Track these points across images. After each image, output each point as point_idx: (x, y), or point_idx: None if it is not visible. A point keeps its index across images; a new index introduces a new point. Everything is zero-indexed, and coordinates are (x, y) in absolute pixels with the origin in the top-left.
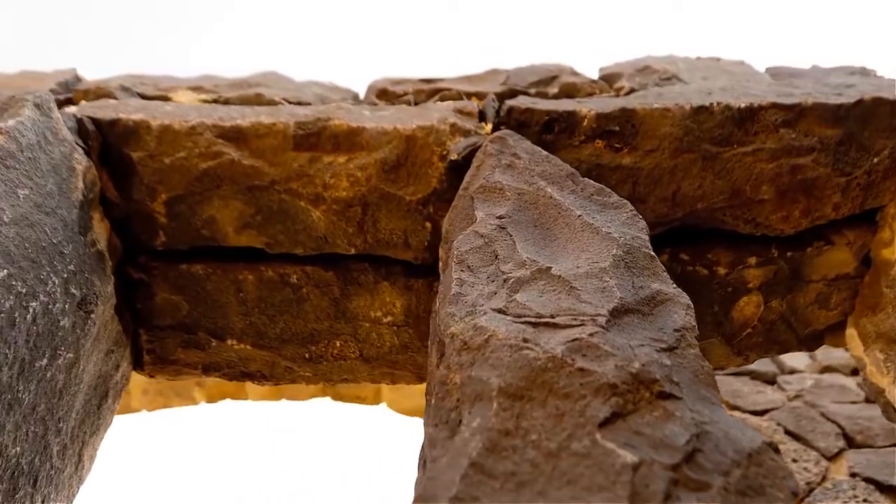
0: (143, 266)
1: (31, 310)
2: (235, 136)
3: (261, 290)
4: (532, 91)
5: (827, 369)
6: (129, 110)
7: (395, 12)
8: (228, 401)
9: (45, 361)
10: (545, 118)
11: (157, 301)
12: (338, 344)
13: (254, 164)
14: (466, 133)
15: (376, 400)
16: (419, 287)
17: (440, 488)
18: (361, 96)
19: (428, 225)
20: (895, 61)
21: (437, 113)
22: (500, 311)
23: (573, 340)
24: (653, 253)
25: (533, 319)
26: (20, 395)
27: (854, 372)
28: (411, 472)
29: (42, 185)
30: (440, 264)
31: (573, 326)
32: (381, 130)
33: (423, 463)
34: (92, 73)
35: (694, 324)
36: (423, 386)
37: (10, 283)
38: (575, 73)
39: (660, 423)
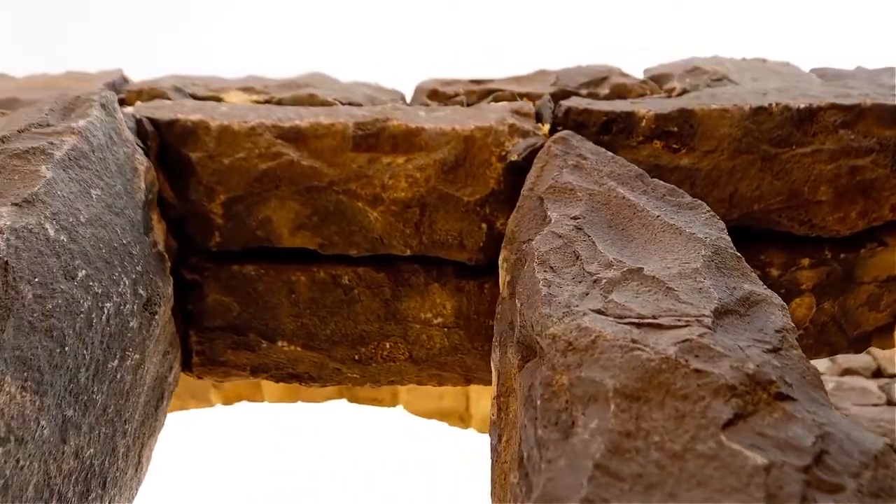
0: (195, 267)
1: (105, 310)
2: (294, 136)
3: (313, 292)
4: (583, 92)
5: (847, 372)
6: (187, 111)
7: (395, 12)
8: (244, 403)
9: (115, 363)
10: (603, 119)
11: (208, 302)
12: (387, 346)
13: (313, 164)
14: (525, 134)
15: (393, 402)
16: (470, 288)
17: (565, 489)
18: (407, 97)
19: (484, 226)
20: None
21: (494, 114)
22: (599, 311)
23: (684, 341)
24: (738, 254)
25: (636, 320)
26: (94, 397)
27: (875, 374)
28: (431, 474)
29: (111, 186)
30: (504, 265)
31: (678, 327)
32: (440, 131)
33: (525, 465)
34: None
35: (792, 325)
36: (443, 389)
37: (88, 284)
38: (624, 75)
39: (782, 425)
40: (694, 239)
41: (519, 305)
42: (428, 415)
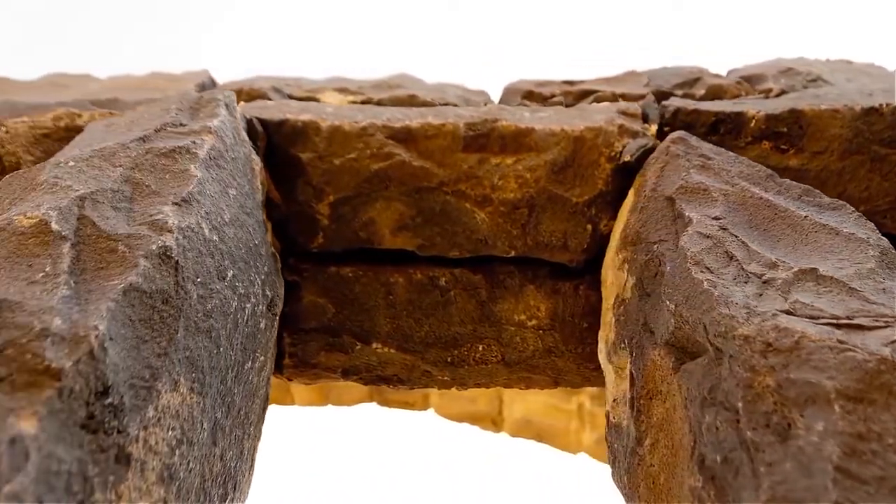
0: (293, 268)
1: (246, 311)
2: (405, 137)
3: (410, 293)
4: (678, 93)
5: None
6: (295, 111)
7: (394, 12)
8: (272, 406)
9: (249, 364)
10: (712, 119)
11: (304, 303)
12: (480, 348)
13: (423, 165)
14: (634, 134)
15: (424, 405)
16: (566, 290)
17: (804, 492)
18: (494, 98)
19: (589, 227)
20: None
21: (601, 115)
22: (787, 312)
23: (894, 342)
24: None
25: (831, 321)
26: (235, 399)
27: None
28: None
29: (242, 186)
30: (624, 266)
31: (880, 328)
32: (549, 131)
33: (713, 468)
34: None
35: None
36: (476, 392)
37: (235, 285)
38: (716, 75)
39: None
40: (855, 239)
41: (673, 307)
42: (459, 418)
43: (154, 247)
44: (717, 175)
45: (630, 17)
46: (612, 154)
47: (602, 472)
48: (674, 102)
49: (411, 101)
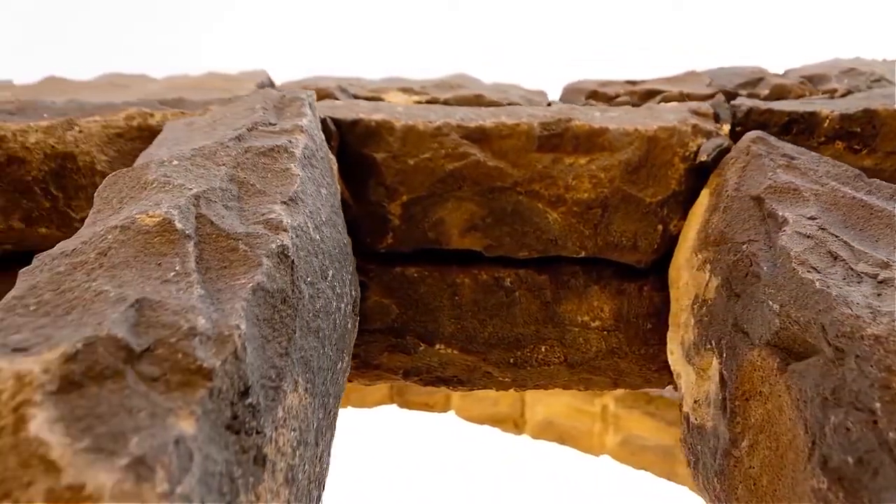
0: (360, 269)
1: (340, 311)
2: (479, 136)
3: (476, 294)
4: (743, 93)
5: None
6: (367, 110)
7: (394, 11)
8: None
9: (340, 364)
10: (785, 119)
11: (369, 304)
12: (543, 349)
13: (497, 164)
14: (708, 134)
15: (445, 407)
16: (631, 291)
17: None
18: (553, 98)
19: (660, 227)
20: None
21: (673, 114)
22: None
23: None
24: None
25: None
26: (329, 400)
27: None
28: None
29: (330, 185)
30: (706, 266)
31: None
32: (623, 131)
33: (840, 469)
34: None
35: None
36: (498, 394)
37: (334, 284)
38: (777, 75)
39: None
40: None
41: (777, 307)
42: (481, 420)
43: (273, 246)
44: (805, 175)
45: (630, 17)
46: (687, 154)
47: (624, 474)
48: (745, 102)
49: (478, 101)
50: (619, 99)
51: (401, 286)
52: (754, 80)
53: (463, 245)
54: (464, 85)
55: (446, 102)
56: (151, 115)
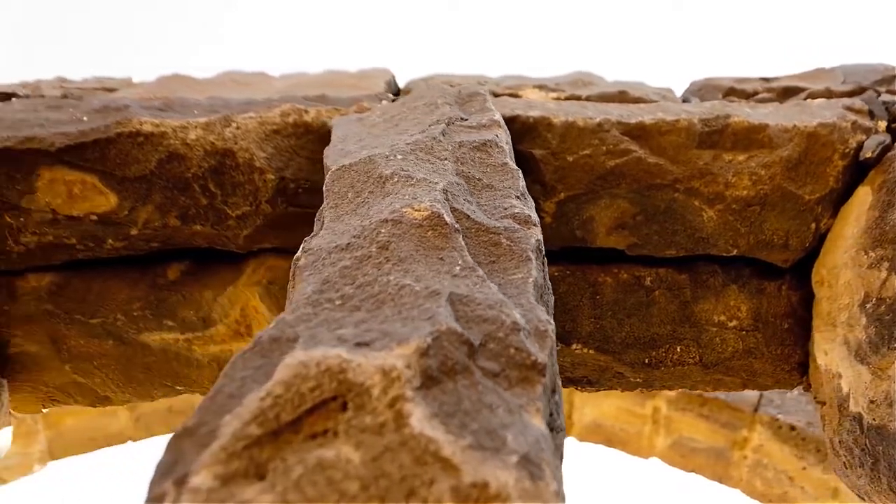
0: None
1: None
2: (639, 133)
3: (617, 293)
4: (882, 89)
5: None
6: (522, 107)
7: (394, 11)
8: None
9: None
10: None
11: None
12: (678, 349)
13: (657, 161)
14: (867, 131)
15: None
16: (771, 290)
17: None
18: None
19: (813, 226)
20: None
21: (829, 111)
22: None
23: None
24: None
25: None
26: None
27: None
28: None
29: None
30: (882, 264)
31: None
32: (782, 128)
33: None
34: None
35: None
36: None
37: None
38: None
39: None
40: None
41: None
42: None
43: (533, 241)
44: None
45: (630, 17)
46: (846, 151)
47: (673, 476)
48: None
49: (621, 98)
50: (758, 96)
51: None
52: (889, 77)
53: (607, 244)
54: (592, 82)
55: (588, 99)
56: (306, 112)
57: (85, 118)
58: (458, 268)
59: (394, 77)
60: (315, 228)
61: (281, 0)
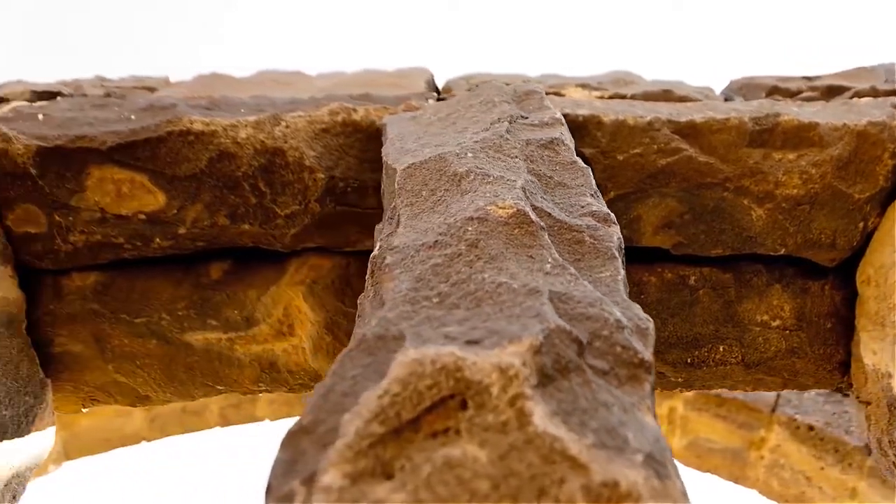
0: None
1: None
2: (689, 131)
3: (661, 293)
4: None
5: None
6: (570, 105)
7: (394, 11)
8: None
9: None
10: None
11: None
12: (721, 349)
13: (708, 160)
14: None
15: None
16: (815, 290)
17: None
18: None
19: (861, 224)
20: None
21: (878, 109)
22: None
23: None
24: None
25: None
26: None
27: None
28: None
29: None
30: None
31: None
32: (832, 126)
33: None
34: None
35: None
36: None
37: None
38: None
39: None
40: None
41: None
42: None
43: (616, 238)
44: None
45: (629, 18)
46: None
47: (689, 476)
48: None
49: (665, 97)
50: (802, 95)
51: None
52: None
53: (653, 243)
54: (633, 81)
55: (633, 98)
56: (354, 111)
57: (133, 117)
58: (548, 265)
59: (433, 76)
60: (387, 226)
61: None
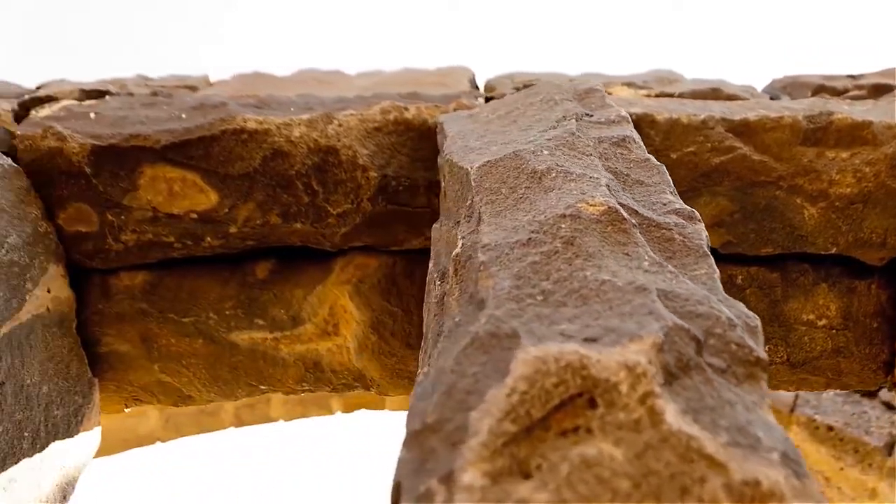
0: None
1: None
2: (743, 130)
3: None
4: None
5: None
6: (622, 104)
7: (394, 11)
8: (363, 411)
9: None
10: None
11: None
12: (766, 348)
13: (762, 158)
14: None
15: None
16: (861, 289)
17: None
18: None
19: None
20: None
21: None
22: None
23: None
24: None
25: None
26: None
27: None
28: None
29: None
30: None
31: None
32: (886, 125)
33: None
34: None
35: None
36: None
37: None
38: None
39: None
40: None
41: None
42: None
43: (704, 236)
44: None
45: (629, 18)
46: None
47: None
48: None
49: (714, 95)
50: (849, 93)
51: None
52: None
53: None
54: (677, 79)
55: (681, 96)
56: (406, 109)
57: (184, 115)
58: (646, 263)
59: (474, 75)
60: (465, 224)
61: (280, 0)
